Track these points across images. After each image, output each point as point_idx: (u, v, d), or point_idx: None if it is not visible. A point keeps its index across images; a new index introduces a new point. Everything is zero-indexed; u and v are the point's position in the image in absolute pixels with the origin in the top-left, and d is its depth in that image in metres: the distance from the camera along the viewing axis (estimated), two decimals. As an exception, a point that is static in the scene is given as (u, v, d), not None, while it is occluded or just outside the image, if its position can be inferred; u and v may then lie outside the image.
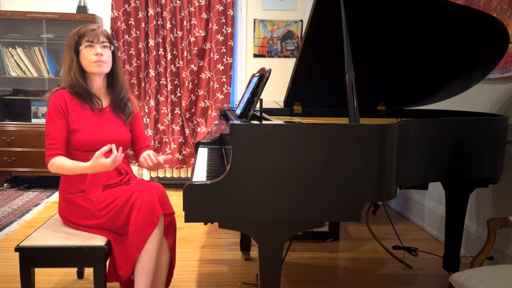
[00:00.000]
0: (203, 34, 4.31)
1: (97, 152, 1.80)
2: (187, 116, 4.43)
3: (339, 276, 2.60)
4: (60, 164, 1.88)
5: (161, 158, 2.06)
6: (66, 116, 1.91)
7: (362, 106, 1.77)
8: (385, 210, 3.32)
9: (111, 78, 2.03)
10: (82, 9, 4.27)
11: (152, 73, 4.31)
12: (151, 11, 4.24)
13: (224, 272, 2.59)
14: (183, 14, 4.28)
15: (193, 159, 4.17)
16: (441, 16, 2.13)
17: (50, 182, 4.39)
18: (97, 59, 1.92)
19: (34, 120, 4.31)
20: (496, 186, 2.36)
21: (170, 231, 1.93)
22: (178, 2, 4.26)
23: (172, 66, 4.35)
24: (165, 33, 4.29)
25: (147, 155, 2.05)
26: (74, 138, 1.92)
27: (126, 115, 2.06)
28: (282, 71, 4.20)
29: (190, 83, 4.35)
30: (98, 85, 2.00)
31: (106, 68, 1.97)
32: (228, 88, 4.40)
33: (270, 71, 1.91)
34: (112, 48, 1.99)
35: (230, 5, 4.29)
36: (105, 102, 2.03)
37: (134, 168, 2.14)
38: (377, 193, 1.61)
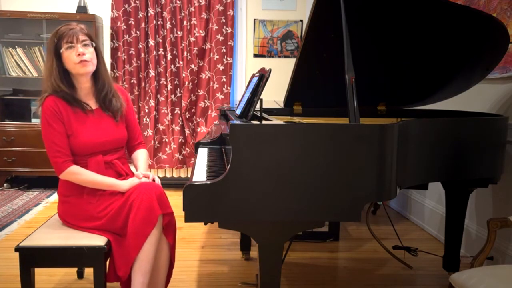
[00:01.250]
0: (203, 34, 4.31)
1: (140, 174, 1.95)
2: (187, 116, 4.43)
3: (339, 276, 2.60)
4: (88, 177, 1.87)
5: (140, 174, 2.00)
6: (63, 121, 1.88)
7: (362, 106, 1.77)
8: (385, 210, 3.32)
9: (95, 76, 1.97)
10: (82, 9, 4.27)
11: (152, 73, 4.31)
12: (151, 11, 4.24)
13: (224, 272, 2.59)
14: (183, 14, 4.28)
15: (193, 159, 4.17)
16: (441, 16, 2.13)
17: (50, 182, 4.39)
18: (79, 59, 1.86)
19: (34, 120, 4.31)
20: (496, 186, 2.36)
21: (169, 230, 1.93)
22: (178, 2, 4.26)
23: (172, 66, 4.35)
24: (165, 33, 4.29)
25: (143, 176, 1.98)
26: (71, 143, 1.89)
27: (114, 112, 2.00)
28: (282, 71, 4.20)
29: (190, 83, 4.35)
30: (86, 86, 1.96)
31: (92, 67, 1.91)
32: (228, 88, 4.40)
33: (270, 71, 1.91)
34: (94, 45, 1.94)
35: (230, 5, 4.29)
36: (94, 104, 1.98)
37: (134, 168, 2.14)
38: (377, 193, 1.61)
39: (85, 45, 1.90)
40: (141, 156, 2.15)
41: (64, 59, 1.89)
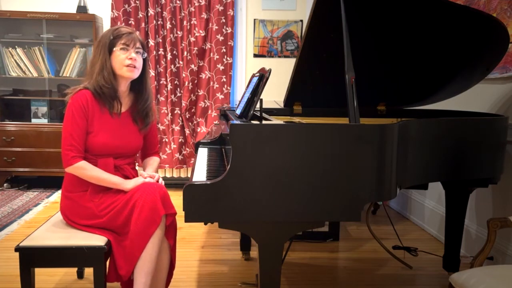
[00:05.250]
0: (203, 34, 4.31)
1: (145, 174, 1.99)
2: (187, 116, 4.43)
3: (339, 276, 2.60)
4: (94, 174, 1.88)
5: (146, 173, 2.03)
6: (87, 117, 1.91)
7: (362, 106, 1.77)
8: (385, 210, 3.32)
9: (138, 84, 2.03)
10: (82, 9, 4.27)
11: (152, 73, 4.31)
12: (151, 11, 4.24)
13: (224, 272, 2.59)
14: (183, 14, 4.28)
15: (193, 159, 4.17)
16: (441, 16, 2.13)
17: (50, 182, 4.39)
18: (129, 63, 1.92)
19: (34, 120, 4.30)
20: (496, 186, 2.36)
21: (170, 232, 1.93)
22: (178, 2, 4.26)
23: (172, 66, 4.35)
24: (165, 33, 4.29)
25: (148, 176, 2.00)
26: (88, 141, 1.91)
27: (144, 124, 2.06)
28: (282, 71, 4.20)
29: (190, 83, 4.35)
30: (122, 89, 2.00)
31: (136, 74, 1.96)
32: (228, 88, 4.40)
33: (270, 71, 1.91)
34: (145, 55, 1.99)
35: (230, 5, 4.29)
36: (124, 107, 2.03)
37: (138, 169, 2.16)
38: (377, 193, 1.61)
39: (138, 52, 1.96)
40: (152, 161, 2.19)
41: (113, 58, 1.93)
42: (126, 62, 1.92)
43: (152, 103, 2.09)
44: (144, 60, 2.01)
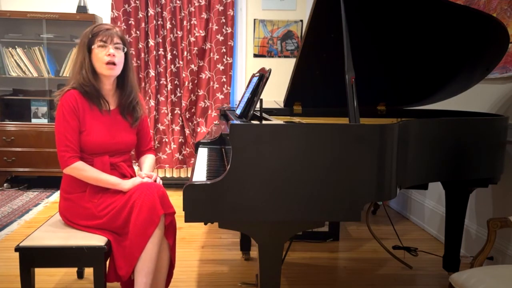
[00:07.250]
0: (203, 34, 4.31)
1: (143, 173, 1.97)
2: (187, 116, 4.43)
3: (339, 276, 2.60)
4: (92, 174, 1.88)
5: (143, 173, 2.02)
6: (78, 117, 1.90)
7: (362, 106, 1.77)
8: (385, 210, 3.32)
9: (121, 80, 2.01)
10: (82, 9, 4.27)
11: (152, 73, 4.31)
12: (151, 11, 4.24)
13: (224, 272, 2.59)
14: (183, 14, 4.28)
15: (193, 159, 4.17)
16: (441, 16, 2.13)
17: (50, 182, 4.39)
18: (108, 59, 1.89)
19: (34, 120, 4.30)
20: (496, 186, 2.36)
21: (170, 231, 1.93)
22: (178, 2, 4.26)
23: (172, 66, 4.35)
24: (165, 33, 4.29)
25: (146, 175, 1.99)
26: (82, 140, 1.91)
27: (134, 119, 2.05)
28: (282, 71, 4.20)
29: (190, 83, 4.35)
30: (107, 87, 1.99)
31: (117, 71, 1.94)
32: (228, 88, 4.40)
33: (270, 71, 1.91)
34: (125, 50, 1.97)
35: (230, 5, 4.29)
36: (113, 104, 2.02)
37: (136, 168, 2.16)
38: (377, 193, 1.61)
39: (117, 48, 1.93)
40: (148, 159, 2.18)
41: (93, 56, 1.91)
42: (105, 59, 1.89)
43: (138, 97, 2.07)
44: (126, 55, 1.98)
